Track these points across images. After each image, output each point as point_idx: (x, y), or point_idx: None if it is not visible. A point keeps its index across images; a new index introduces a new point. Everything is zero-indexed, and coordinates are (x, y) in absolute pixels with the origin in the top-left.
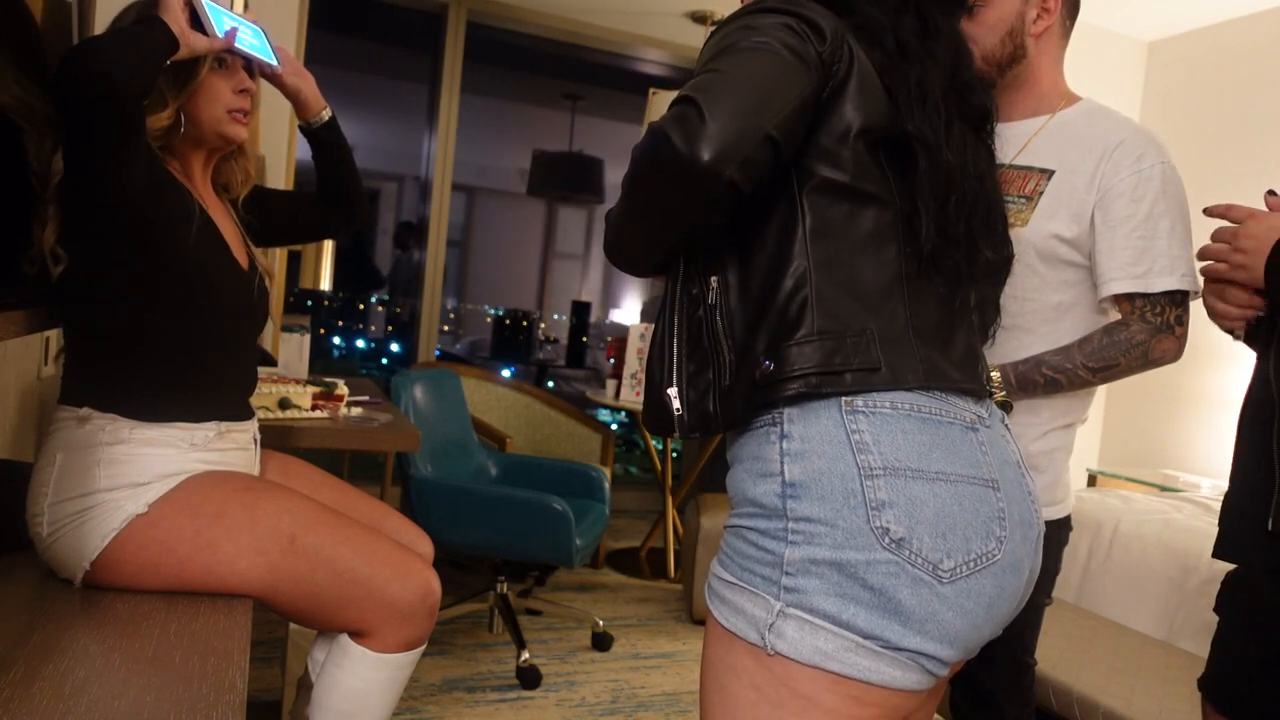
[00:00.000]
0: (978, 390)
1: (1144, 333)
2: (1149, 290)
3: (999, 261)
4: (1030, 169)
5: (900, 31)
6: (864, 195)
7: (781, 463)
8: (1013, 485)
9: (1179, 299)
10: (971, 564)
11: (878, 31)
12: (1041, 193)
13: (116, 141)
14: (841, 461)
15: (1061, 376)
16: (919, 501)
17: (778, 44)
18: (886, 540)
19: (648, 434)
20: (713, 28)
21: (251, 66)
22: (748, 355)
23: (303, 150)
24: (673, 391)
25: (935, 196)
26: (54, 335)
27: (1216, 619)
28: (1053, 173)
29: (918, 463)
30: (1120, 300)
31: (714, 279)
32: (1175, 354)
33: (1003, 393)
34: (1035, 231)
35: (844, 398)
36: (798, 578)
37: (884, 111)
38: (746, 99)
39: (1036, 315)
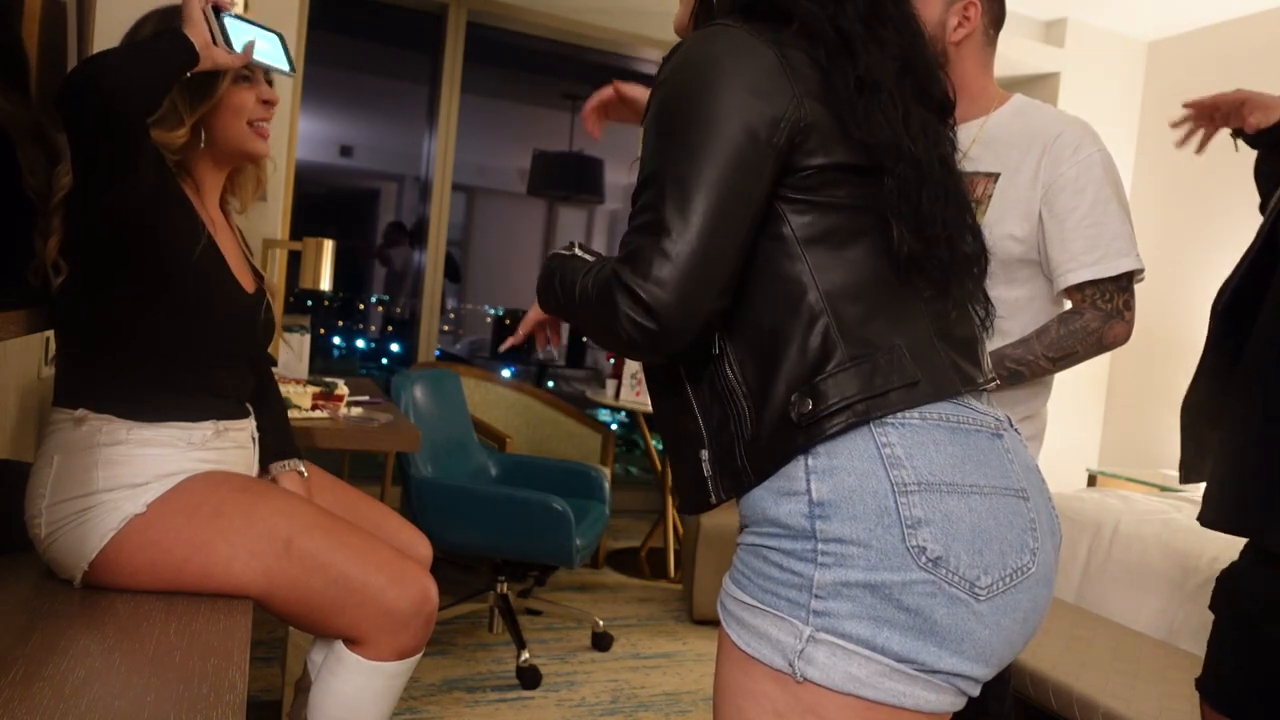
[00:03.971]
0: (984, 385)
1: (1097, 320)
2: (1108, 274)
3: (976, 250)
4: (976, 174)
5: (841, 20)
6: (852, 210)
7: (808, 480)
8: (1038, 493)
9: (1124, 283)
10: (1008, 579)
11: (816, 28)
12: (990, 196)
13: (117, 156)
14: (873, 478)
15: (1023, 368)
16: (954, 517)
17: (733, 156)
18: (923, 559)
19: (648, 435)
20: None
21: (270, 75)
22: (767, 399)
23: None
24: (705, 454)
25: (906, 197)
26: (54, 335)
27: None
28: (998, 175)
29: (952, 476)
30: (1071, 289)
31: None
32: (1125, 337)
33: None
34: (989, 235)
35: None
36: (828, 601)
37: (845, 139)
38: (702, 258)
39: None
